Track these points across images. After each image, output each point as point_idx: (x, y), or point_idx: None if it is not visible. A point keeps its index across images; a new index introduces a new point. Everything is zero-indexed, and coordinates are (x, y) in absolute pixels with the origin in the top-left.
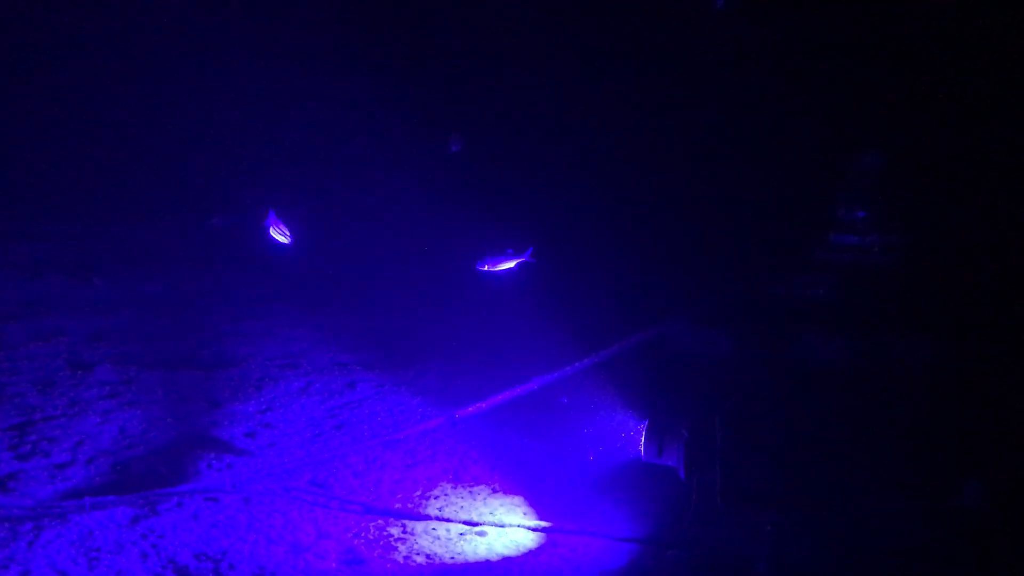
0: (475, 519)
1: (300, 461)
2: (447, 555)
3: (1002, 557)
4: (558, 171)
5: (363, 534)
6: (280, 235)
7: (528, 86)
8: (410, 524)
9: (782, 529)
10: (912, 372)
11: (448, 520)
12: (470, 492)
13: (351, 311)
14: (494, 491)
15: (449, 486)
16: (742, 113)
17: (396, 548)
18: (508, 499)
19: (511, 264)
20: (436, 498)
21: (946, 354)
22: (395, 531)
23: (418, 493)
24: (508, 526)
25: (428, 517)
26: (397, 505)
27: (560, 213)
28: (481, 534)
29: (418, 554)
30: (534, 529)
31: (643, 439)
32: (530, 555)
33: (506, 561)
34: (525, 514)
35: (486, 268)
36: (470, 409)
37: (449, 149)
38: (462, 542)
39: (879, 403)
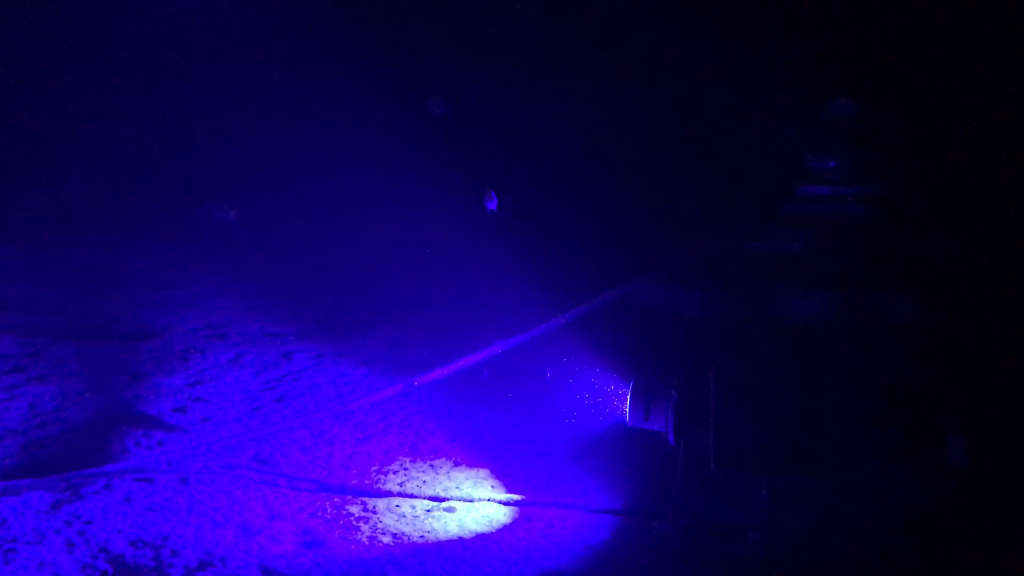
0: (441, 494)
1: (240, 437)
2: (415, 534)
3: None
4: (517, 121)
5: (320, 513)
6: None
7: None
8: (371, 501)
9: (777, 494)
10: (894, 327)
11: (412, 496)
12: (431, 466)
13: (280, 277)
14: (457, 464)
15: (407, 460)
16: (702, 59)
17: (358, 528)
18: (473, 472)
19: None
20: (395, 473)
21: (928, 308)
22: (355, 509)
23: (375, 468)
24: (478, 500)
25: (390, 493)
26: (354, 481)
27: (521, 164)
28: (450, 510)
29: (383, 533)
30: (506, 503)
31: (628, 402)
32: (505, 531)
33: (480, 538)
34: (494, 487)
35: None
36: (425, 378)
37: (486, 206)
38: (430, 519)
39: (862, 360)
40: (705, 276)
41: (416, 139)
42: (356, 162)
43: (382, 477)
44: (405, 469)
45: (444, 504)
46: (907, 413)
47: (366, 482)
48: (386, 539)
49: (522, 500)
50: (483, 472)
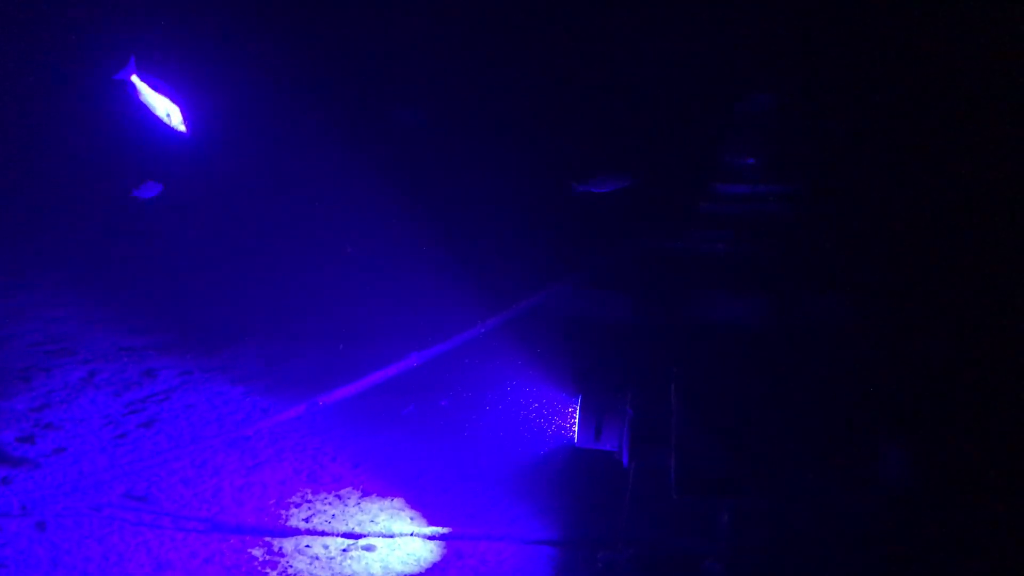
0: (356, 530)
1: (106, 470)
2: None
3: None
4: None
5: (217, 559)
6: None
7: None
8: (276, 542)
9: (739, 518)
10: (825, 332)
11: (323, 534)
12: (337, 496)
13: (131, 283)
14: (366, 493)
15: (309, 491)
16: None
17: (265, 574)
18: (388, 502)
19: None
20: (298, 506)
21: (857, 311)
22: (258, 552)
23: (273, 501)
24: (399, 535)
25: (296, 531)
26: (251, 519)
27: (430, 163)
28: (369, 548)
29: None
30: (431, 538)
31: (577, 420)
32: (435, 570)
33: None
34: (414, 520)
35: None
36: (328, 397)
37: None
38: (348, 560)
39: (797, 368)
40: (632, 279)
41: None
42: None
43: (284, 512)
44: (308, 501)
45: (362, 542)
46: (846, 423)
47: (266, 519)
48: None
49: (449, 533)
50: (398, 502)
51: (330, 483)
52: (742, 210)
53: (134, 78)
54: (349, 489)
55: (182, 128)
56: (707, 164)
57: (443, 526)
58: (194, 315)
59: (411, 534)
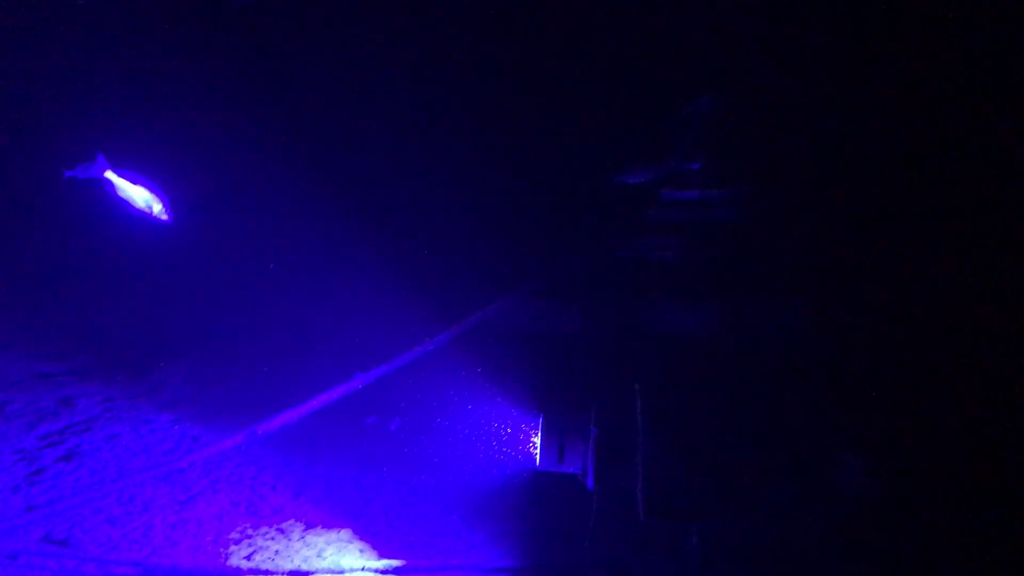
0: (303, 567)
1: (21, 513)
2: None
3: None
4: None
5: None
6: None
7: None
8: None
9: (708, 539)
10: (778, 340)
11: (267, 573)
12: (279, 530)
13: (37, 303)
14: (310, 525)
15: (248, 525)
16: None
17: None
18: (334, 534)
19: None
20: (237, 543)
21: (809, 319)
22: None
23: (210, 539)
24: (349, 571)
25: (238, 572)
26: (187, 559)
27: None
28: None
29: None
30: (383, 572)
31: (538, 441)
32: None
33: None
34: (363, 552)
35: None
36: (267, 425)
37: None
38: None
39: (755, 378)
40: (581, 290)
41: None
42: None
43: (222, 550)
44: (249, 537)
45: None
46: (804, 433)
47: (203, 558)
48: None
49: (403, 566)
50: (346, 533)
51: (271, 515)
52: (690, 216)
53: (109, 174)
54: (292, 521)
55: (164, 217)
56: (656, 171)
57: (396, 558)
58: (116, 336)
59: (362, 568)
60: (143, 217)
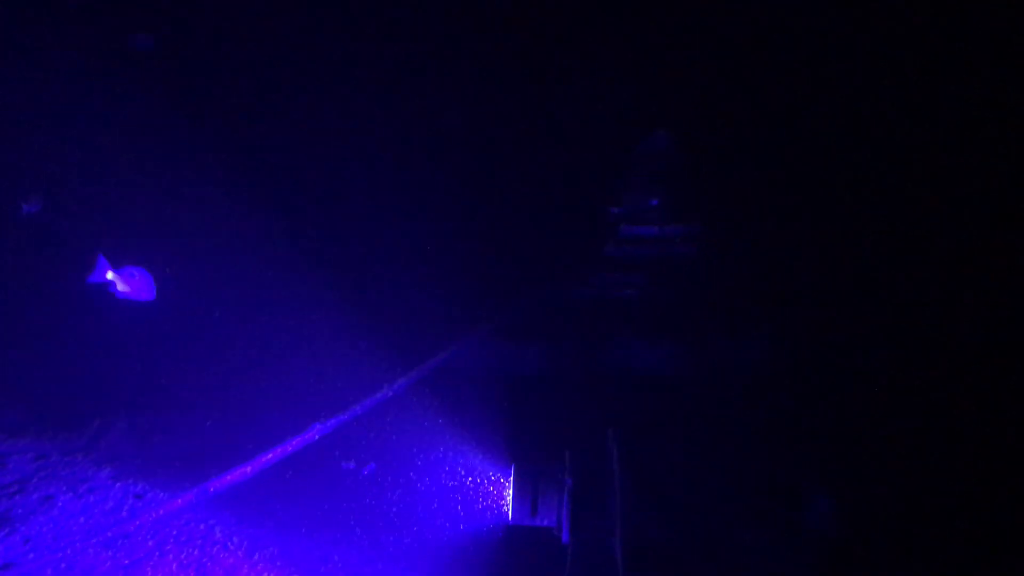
0: None
1: None
2: None
3: None
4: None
5: None
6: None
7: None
8: None
9: None
10: (744, 379)
11: None
12: None
13: None
14: None
15: None
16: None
17: None
18: None
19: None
20: None
21: (774, 358)
22: None
23: None
24: None
25: None
26: None
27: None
28: None
29: None
30: None
31: (510, 493)
32: None
33: None
34: None
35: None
36: (219, 482)
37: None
38: None
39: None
40: (542, 330)
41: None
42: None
43: None
44: None
45: None
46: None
47: None
48: None
49: None
50: None
51: None
52: (650, 253)
53: (110, 275)
54: None
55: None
56: (613, 208)
57: None
58: (49, 387)
59: None
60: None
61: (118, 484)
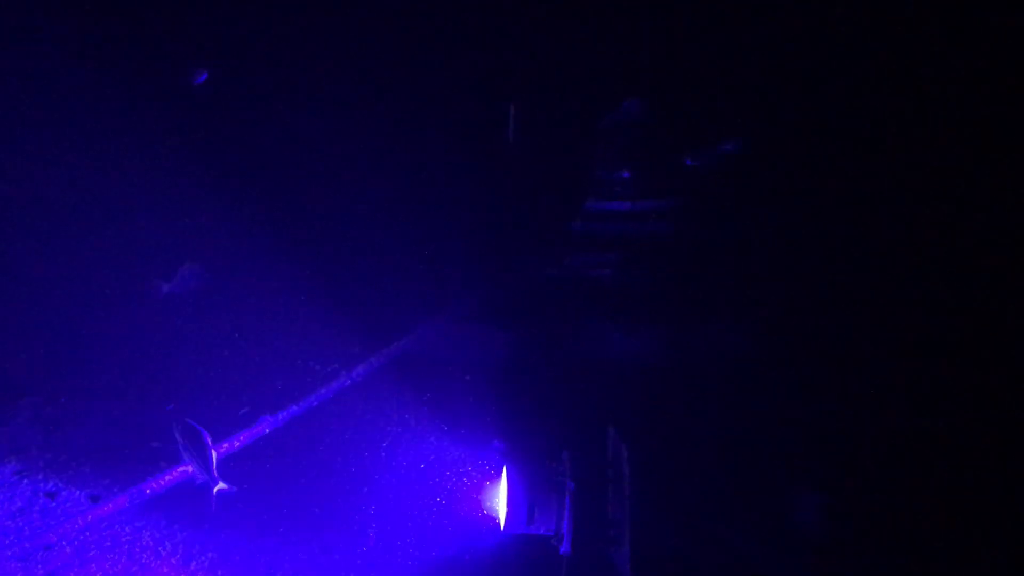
0: None
1: None
2: None
3: None
4: None
5: None
6: None
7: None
8: None
9: None
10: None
11: None
12: None
13: None
14: None
15: None
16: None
17: None
18: None
19: None
20: None
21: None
22: None
23: None
24: None
25: None
26: None
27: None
28: None
29: None
30: None
31: (502, 497)
32: None
33: None
34: None
35: None
36: (150, 486)
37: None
38: None
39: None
40: (513, 313)
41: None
42: None
43: None
44: None
45: None
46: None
47: None
48: None
49: None
50: None
51: None
52: (624, 230)
53: None
54: None
55: None
56: (583, 181)
57: None
58: None
59: None
60: None
61: (25, 481)
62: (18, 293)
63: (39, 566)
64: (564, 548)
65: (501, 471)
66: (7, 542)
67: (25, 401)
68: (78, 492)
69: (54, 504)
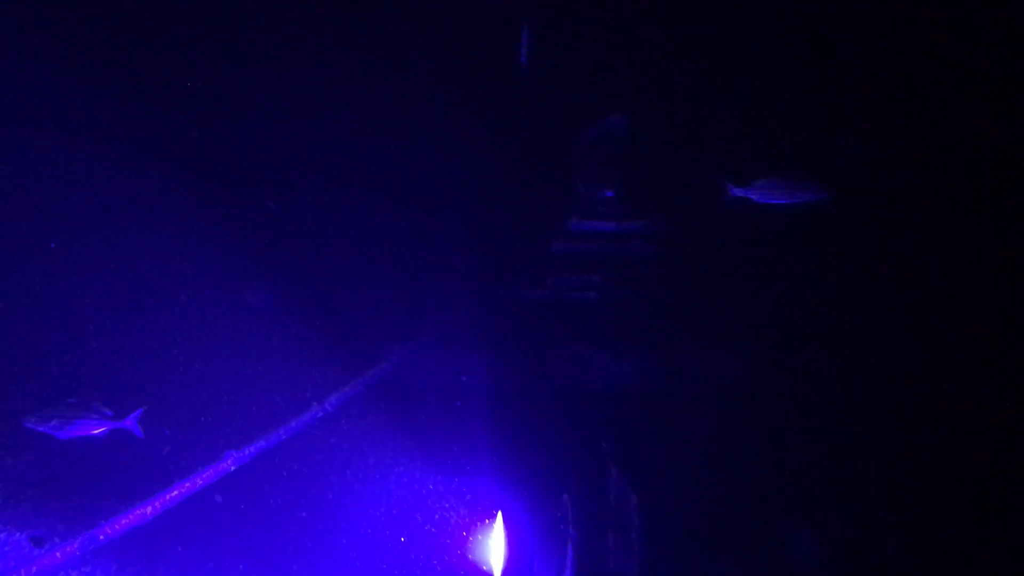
0: None
1: None
2: None
3: None
4: None
5: None
6: None
7: None
8: None
9: None
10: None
11: None
12: None
13: None
14: None
15: None
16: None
17: None
18: None
19: None
20: None
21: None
22: None
23: None
24: None
25: None
26: None
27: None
28: None
29: None
30: None
31: (499, 546)
32: None
33: None
34: None
35: None
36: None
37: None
38: None
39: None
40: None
41: None
42: None
43: None
44: None
45: None
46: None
47: None
48: None
49: None
50: None
51: None
52: (608, 251)
53: None
54: None
55: None
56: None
57: None
58: None
59: None
60: None
61: None
62: None
63: None
64: None
65: (493, 513)
66: None
67: None
68: (16, 534)
69: None
